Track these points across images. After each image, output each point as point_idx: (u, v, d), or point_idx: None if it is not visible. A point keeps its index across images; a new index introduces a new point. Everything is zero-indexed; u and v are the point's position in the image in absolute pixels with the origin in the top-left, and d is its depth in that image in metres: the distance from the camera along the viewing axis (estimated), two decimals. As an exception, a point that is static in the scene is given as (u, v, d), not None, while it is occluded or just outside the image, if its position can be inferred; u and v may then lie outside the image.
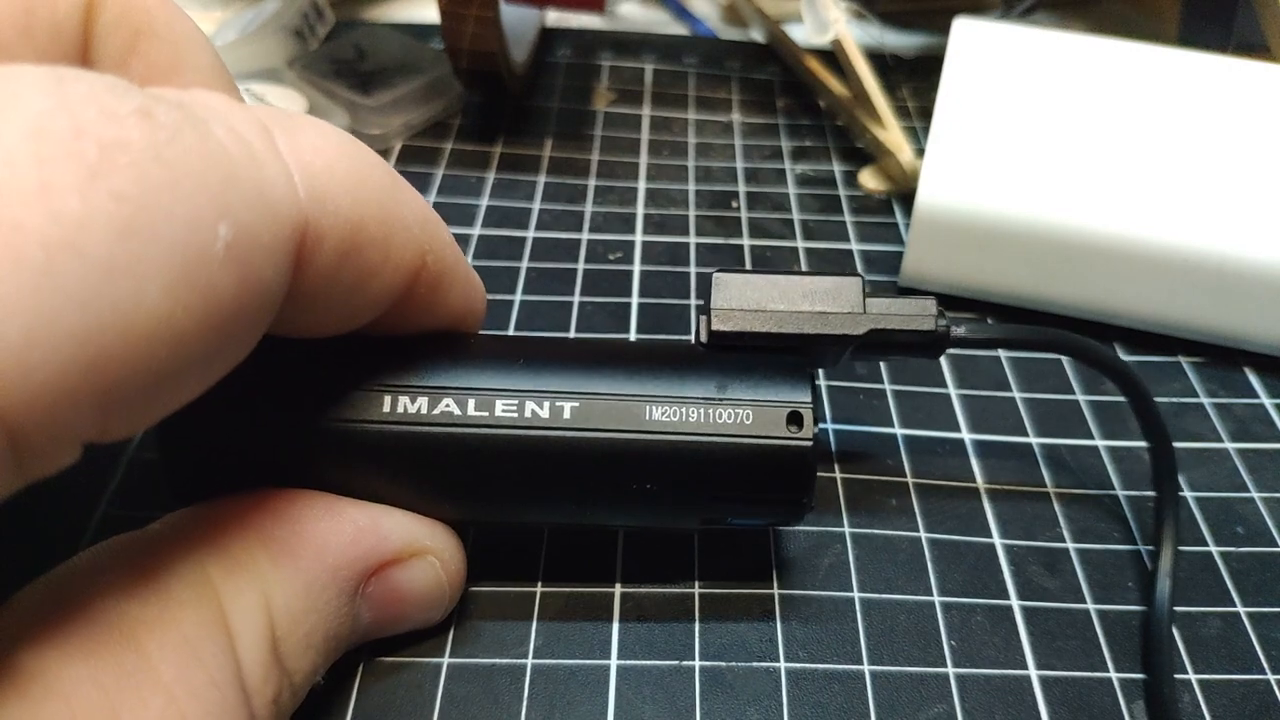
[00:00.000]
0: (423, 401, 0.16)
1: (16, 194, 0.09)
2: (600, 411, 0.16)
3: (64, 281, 0.09)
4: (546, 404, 0.16)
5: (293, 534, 0.15)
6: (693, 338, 0.19)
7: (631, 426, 0.16)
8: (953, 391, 0.24)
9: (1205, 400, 0.24)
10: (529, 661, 0.18)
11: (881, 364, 0.25)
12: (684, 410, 0.16)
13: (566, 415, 0.16)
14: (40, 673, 0.11)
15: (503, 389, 0.16)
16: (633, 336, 0.25)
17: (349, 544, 0.15)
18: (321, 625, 0.15)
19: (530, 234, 0.29)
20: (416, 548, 0.16)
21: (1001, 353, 0.25)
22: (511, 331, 0.25)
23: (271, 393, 0.16)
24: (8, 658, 0.11)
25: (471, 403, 0.16)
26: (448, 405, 0.16)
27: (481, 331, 0.18)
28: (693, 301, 0.26)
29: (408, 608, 0.17)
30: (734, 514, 0.17)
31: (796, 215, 0.30)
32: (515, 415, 0.16)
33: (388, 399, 0.16)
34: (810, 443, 0.16)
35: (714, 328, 0.18)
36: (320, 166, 0.12)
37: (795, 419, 0.16)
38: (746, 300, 0.18)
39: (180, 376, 0.11)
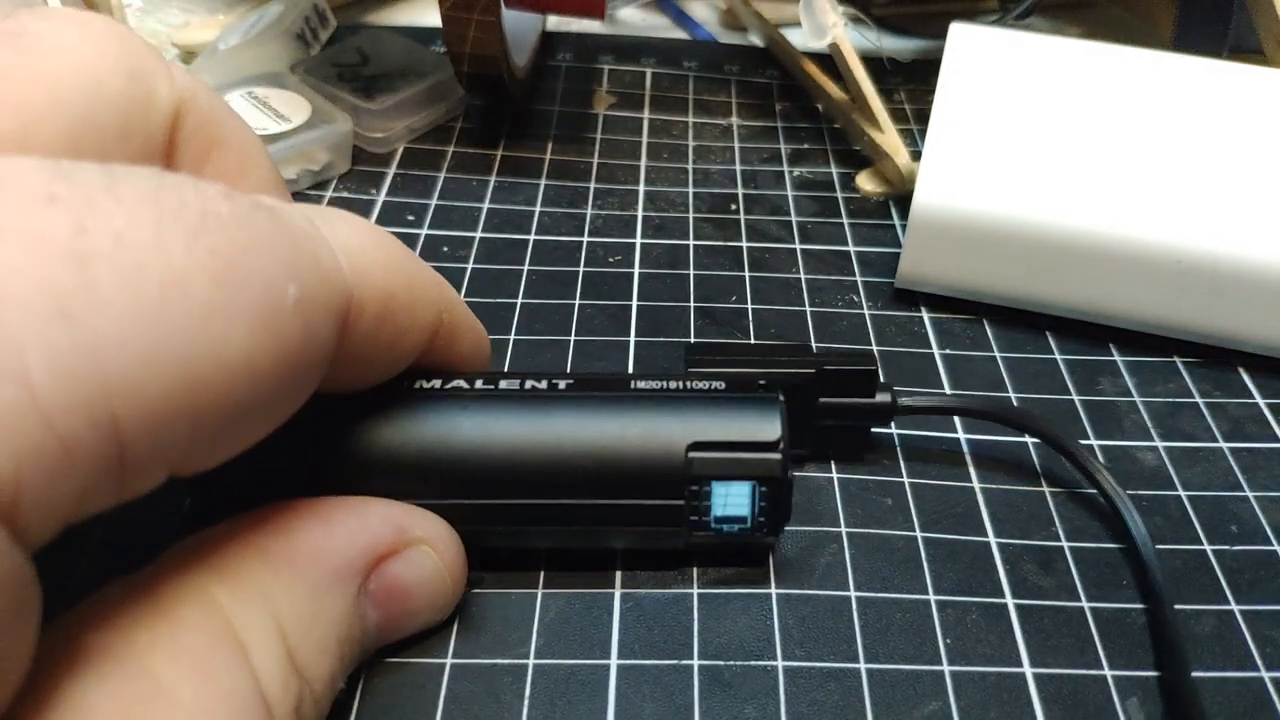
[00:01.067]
0: (436, 381, 0.18)
1: (139, 245, 0.11)
2: (592, 382, 0.19)
3: (173, 315, 0.11)
4: (545, 381, 0.19)
5: (288, 544, 0.15)
6: None
7: (618, 391, 0.19)
8: (948, 392, 0.24)
9: (1200, 400, 0.25)
10: (530, 661, 0.18)
11: (880, 370, 0.25)
12: (665, 381, 0.19)
13: (562, 387, 0.19)
14: (62, 707, 0.12)
15: (505, 373, 0.19)
16: (632, 339, 0.26)
17: (344, 545, 0.16)
18: (333, 629, 0.15)
19: (531, 237, 0.29)
20: (409, 537, 0.17)
21: (997, 354, 0.26)
22: (513, 335, 0.25)
23: None
24: (32, 697, 0.12)
25: (479, 381, 0.18)
26: (458, 383, 0.18)
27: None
28: (692, 304, 0.27)
29: (411, 601, 0.17)
30: (715, 472, 0.18)
31: (794, 218, 0.30)
32: (517, 387, 0.18)
33: (405, 380, 0.18)
34: (779, 396, 0.18)
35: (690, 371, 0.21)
36: (355, 247, 0.15)
37: (764, 388, 0.19)
38: (715, 353, 0.21)
39: (253, 414, 0.13)
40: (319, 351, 0.14)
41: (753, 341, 0.26)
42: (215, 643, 0.13)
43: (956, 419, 0.24)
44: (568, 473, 0.18)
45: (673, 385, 0.19)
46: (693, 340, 0.26)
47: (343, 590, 0.15)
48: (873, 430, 0.22)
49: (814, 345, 0.26)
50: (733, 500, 0.18)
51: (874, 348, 0.26)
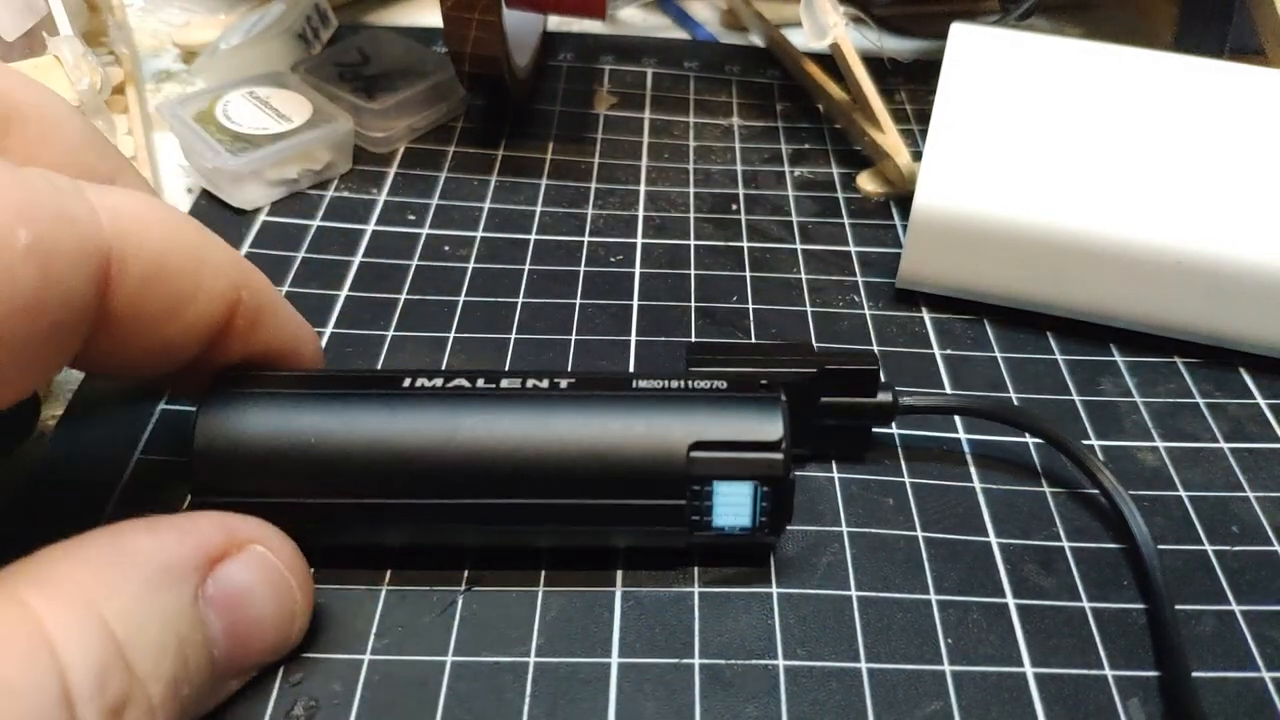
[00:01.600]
0: (438, 380, 0.18)
1: None
2: (593, 381, 0.19)
3: None
4: (546, 380, 0.19)
5: (113, 548, 0.15)
6: None
7: (620, 390, 0.19)
8: (949, 392, 0.24)
9: (1201, 400, 0.25)
10: (531, 659, 0.18)
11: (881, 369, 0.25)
12: (666, 381, 0.19)
13: (563, 385, 0.19)
14: None
15: (507, 372, 0.19)
16: (633, 339, 0.26)
17: (172, 544, 0.16)
18: (169, 627, 0.15)
19: (532, 236, 0.29)
20: (239, 538, 0.17)
21: (998, 354, 0.26)
22: (514, 334, 0.25)
23: (296, 379, 0.19)
24: None
25: (480, 380, 0.19)
26: (459, 382, 0.19)
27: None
28: (693, 304, 0.27)
29: (254, 607, 0.17)
30: (716, 472, 0.18)
31: (795, 218, 0.30)
32: (518, 386, 0.18)
33: (407, 379, 0.19)
34: (781, 396, 0.19)
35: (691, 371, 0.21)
36: (125, 211, 0.15)
37: (766, 388, 0.19)
38: (716, 352, 0.21)
39: None
40: (69, 300, 0.14)
41: (754, 341, 0.26)
42: (10, 637, 0.13)
43: (958, 418, 0.24)
44: (569, 472, 0.18)
45: (674, 385, 0.19)
46: (693, 340, 0.26)
47: (176, 588, 0.15)
48: (874, 430, 0.22)
49: (815, 345, 0.26)
50: (734, 500, 0.18)
51: (875, 348, 0.26)
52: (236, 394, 0.18)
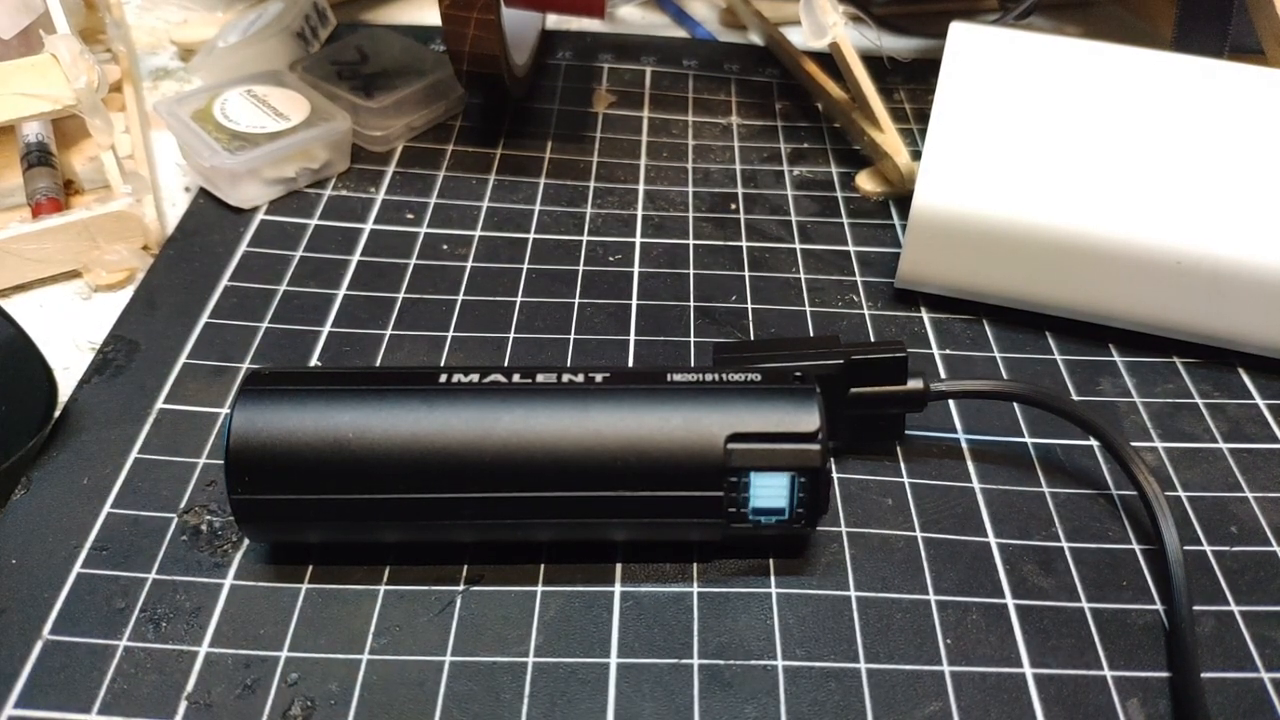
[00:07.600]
0: (474, 376, 0.19)
1: None
2: (628, 375, 0.19)
3: None
4: (581, 375, 0.19)
5: None
6: None
7: (656, 384, 0.19)
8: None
9: (1199, 401, 0.25)
10: (530, 660, 0.18)
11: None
12: (700, 375, 0.19)
13: (598, 380, 0.19)
14: None
15: (541, 367, 0.19)
16: (632, 339, 0.25)
17: None
18: None
19: (531, 235, 0.29)
20: None
21: (997, 354, 0.26)
22: (513, 333, 0.25)
23: (329, 376, 0.19)
24: None
25: (516, 375, 0.19)
26: (495, 378, 0.19)
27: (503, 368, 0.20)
28: (692, 304, 0.27)
29: None
30: (753, 463, 0.18)
31: (794, 217, 0.30)
32: (554, 380, 0.19)
33: (443, 375, 0.19)
34: (815, 387, 0.19)
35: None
36: None
37: (799, 380, 0.19)
38: (743, 350, 0.22)
39: None
40: None
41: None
42: None
43: (956, 418, 0.24)
44: (608, 466, 0.18)
45: (709, 378, 0.19)
46: (693, 339, 0.26)
47: None
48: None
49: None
50: (771, 491, 0.18)
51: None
52: (269, 393, 0.18)
